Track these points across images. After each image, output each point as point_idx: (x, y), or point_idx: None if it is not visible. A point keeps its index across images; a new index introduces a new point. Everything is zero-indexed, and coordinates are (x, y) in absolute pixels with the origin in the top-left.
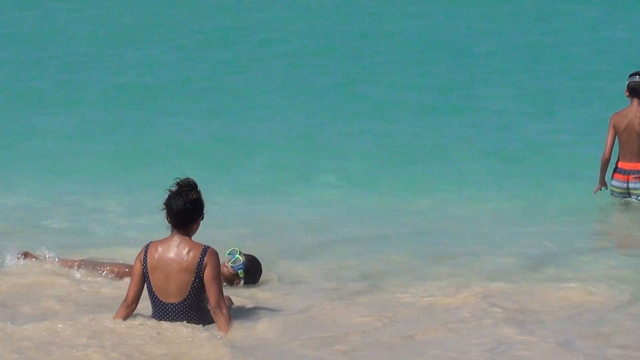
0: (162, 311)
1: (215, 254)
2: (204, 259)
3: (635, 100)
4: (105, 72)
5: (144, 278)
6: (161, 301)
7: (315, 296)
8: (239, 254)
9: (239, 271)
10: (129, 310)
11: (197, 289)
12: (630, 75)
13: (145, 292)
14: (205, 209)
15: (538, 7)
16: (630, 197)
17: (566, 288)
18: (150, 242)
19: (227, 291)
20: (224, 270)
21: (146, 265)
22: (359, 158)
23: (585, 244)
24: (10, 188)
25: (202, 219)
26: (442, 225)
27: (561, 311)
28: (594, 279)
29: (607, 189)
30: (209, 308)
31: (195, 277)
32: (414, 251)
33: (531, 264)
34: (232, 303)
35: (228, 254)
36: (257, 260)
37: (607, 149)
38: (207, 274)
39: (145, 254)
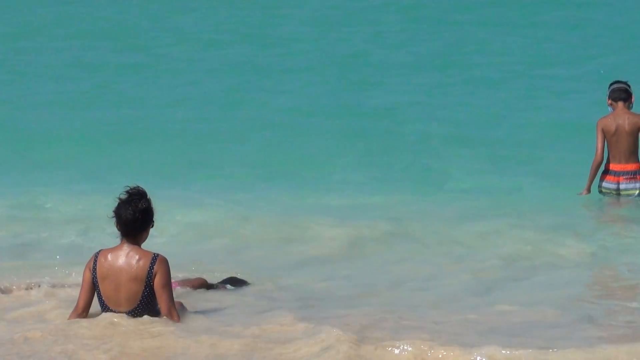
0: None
1: (165, 262)
2: (153, 268)
3: (620, 104)
4: None
5: (94, 286)
6: (111, 310)
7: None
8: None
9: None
10: (80, 317)
11: (148, 297)
12: (611, 84)
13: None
14: (155, 217)
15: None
16: (620, 197)
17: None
18: (100, 250)
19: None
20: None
21: (95, 273)
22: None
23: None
24: None
25: (152, 227)
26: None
27: None
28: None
29: (589, 193)
30: (162, 314)
31: (145, 286)
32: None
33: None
34: (184, 308)
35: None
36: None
37: (599, 153)
38: (157, 282)
39: (95, 262)
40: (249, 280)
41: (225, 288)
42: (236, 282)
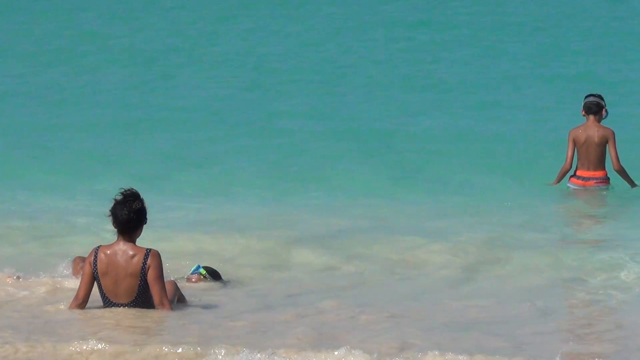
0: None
1: (157, 256)
2: (147, 262)
3: (591, 117)
4: None
5: (94, 279)
6: (112, 302)
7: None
8: (199, 268)
9: (200, 270)
10: (80, 307)
11: (144, 289)
12: (586, 97)
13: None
14: (148, 215)
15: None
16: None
17: None
18: (99, 246)
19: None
20: (193, 282)
21: (96, 269)
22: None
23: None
24: None
25: (145, 224)
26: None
27: None
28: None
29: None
30: (155, 304)
31: (140, 280)
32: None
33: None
34: (180, 292)
35: (191, 273)
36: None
37: (568, 160)
38: (150, 275)
39: (95, 258)
40: (224, 277)
41: (201, 278)
42: (213, 274)
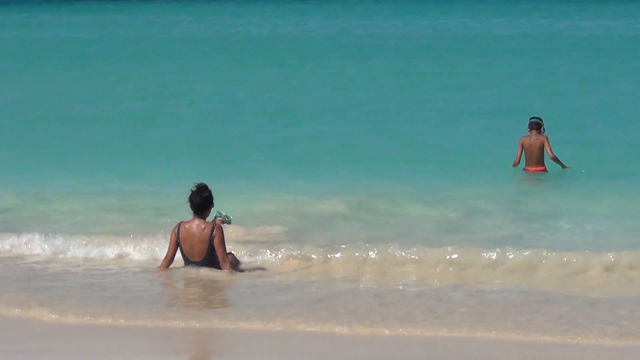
0: (190, 266)
1: (221, 229)
2: (213, 232)
3: (534, 131)
4: None
5: (177, 244)
6: (189, 260)
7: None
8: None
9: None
10: (169, 263)
11: (211, 252)
12: (530, 118)
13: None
14: (214, 201)
15: None
16: None
17: None
18: (180, 222)
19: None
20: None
21: (179, 237)
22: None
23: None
24: None
25: (213, 207)
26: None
27: None
28: None
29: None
30: (219, 261)
31: (209, 245)
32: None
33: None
34: (239, 262)
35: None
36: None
37: (517, 159)
38: (215, 241)
39: (178, 229)
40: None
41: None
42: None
